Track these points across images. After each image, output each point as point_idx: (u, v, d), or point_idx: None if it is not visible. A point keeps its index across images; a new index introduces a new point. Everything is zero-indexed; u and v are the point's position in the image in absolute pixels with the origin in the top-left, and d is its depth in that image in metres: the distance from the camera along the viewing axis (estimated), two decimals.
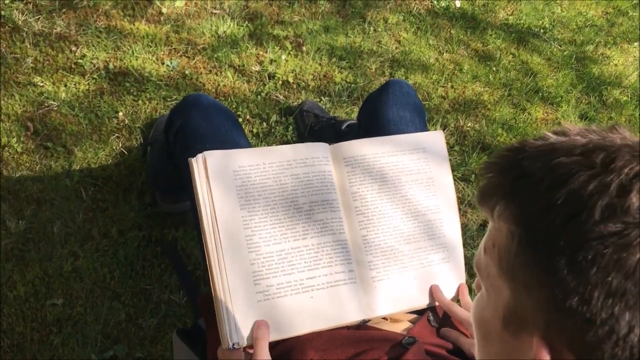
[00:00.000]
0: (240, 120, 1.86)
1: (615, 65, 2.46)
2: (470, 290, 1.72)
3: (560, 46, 2.45)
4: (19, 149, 1.68)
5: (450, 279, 1.07)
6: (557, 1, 2.61)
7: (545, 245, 0.46)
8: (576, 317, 0.45)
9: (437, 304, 1.04)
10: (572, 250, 0.44)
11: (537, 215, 0.47)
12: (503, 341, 0.52)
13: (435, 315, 1.05)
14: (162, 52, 1.95)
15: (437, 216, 1.08)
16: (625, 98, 2.34)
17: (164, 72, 1.91)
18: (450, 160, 1.42)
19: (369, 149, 1.08)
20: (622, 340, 0.44)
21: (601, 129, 0.48)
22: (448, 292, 1.07)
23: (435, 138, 1.13)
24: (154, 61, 1.93)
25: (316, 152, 1.04)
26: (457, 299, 1.08)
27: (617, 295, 0.43)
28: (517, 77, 2.27)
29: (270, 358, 0.85)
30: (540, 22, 2.50)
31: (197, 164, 0.96)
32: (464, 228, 1.81)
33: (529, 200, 0.47)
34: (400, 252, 1.04)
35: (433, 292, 1.03)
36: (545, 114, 2.21)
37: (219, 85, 1.94)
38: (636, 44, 2.56)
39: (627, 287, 0.43)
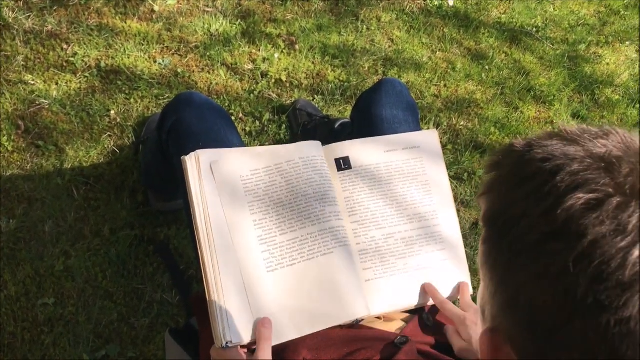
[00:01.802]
0: (233, 118, 1.86)
1: (607, 64, 2.47)
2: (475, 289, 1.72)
3: (553, 45, 2.46)
4: (9, 148, 1.67)
5: (450, 277, 1.07)
6: (550, 0, 2.62)
7: (495, 243, 0.49)
8: (511, 315, 0.47)
9: (429, 303, 1.04)
10: (511, 251, 0.46)
11: (495, 214, 0.49)
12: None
13: (430, 314, 1.04)
14: (154, 50, 1.94)
15: (433, 215, 1.08)
16: (617, 97, 2.35)
17: (156, 70, 1.90)
18: None
19: (362, 150, 1.08)
20: (542, 343, 0.45)
21: (594, 132, 0.48)
22: (447, 291, 1.06)
23: (429, 137, 1.13)
24: (146, 59, 1.92)
25: (310, 151, 1.04)
26: (457, 297, 1.07)
27: (538, 304, 0.44)
28: (510, 76, 2.28)
29: (271, 358, 0.85)
30: (533, 20, 2.51)
31: (190, 162, 0.95)
32: None
33: (495, 198, 0.50)
34: (395, 253, 1.04)
35: (427, 291, 1.03)
36: (538, 113, 2.22)
37: (211, 83, 1.93)
38: (628, 43, 2.57)
39: (547, 297, 0.44)
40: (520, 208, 0.46)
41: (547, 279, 0.43)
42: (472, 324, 0.96)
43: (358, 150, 1.08)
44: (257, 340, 0.86)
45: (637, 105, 2.34)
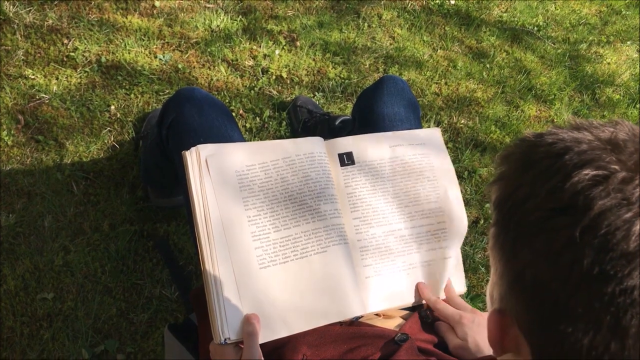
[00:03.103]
0: (233, 115, 1.86)
1: (608, 63, 2.47)
2: None
3: (554, 44, 2.45)
4: (9, 142, 1.66)
5: (447, 276, 1.07)
6: None
7: (504, 224, 0.50)
8: (518, 295, 0.48)
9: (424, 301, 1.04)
10: (518, 230, 0.48)
11: (505, 197, 0.50)
12: None
13: (429, 311, 1.04)
14: (154, 46, 1.94)
15: (438, 212, 1.08)
16: (617, 96, 2.35)
17: (157, 65, 1.90)
18: None
19: (365, 145, 1.08)
20: (545, 320, 0.46)
21: (602, 123, 0.50)
22: (442, 290, 1.06)
23: (433, 134, 1.13)
24: (146, 55, 1.91)
25: (313, 147, 1.04)
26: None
27: (543, 279, 0.45)
28: (511, 75, 2.27)
29: (261, 354, 0.85)
30: (534, 19, 2.50)
31: (190, 157, 0.95)
32: None
33: (505, 184, 0.51)
34: (394, 250, 1.04)
35: (419, 290, 1.03)
36: (539, 112, 2.21)
37: (212, 79, 1.93)
38: (629, 42, 2.57)
39: (552, 272, 0.45)
40: (528, 188, 0.47)
41: (554, 252, 0.44)
42: (469, 322, 0.96)
43: (361, 145, 1.08)
44: (244, 337, 0.86)
45: (638, 105, 2.34)
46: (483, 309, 1.66)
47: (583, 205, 0.43)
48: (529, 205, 0.47)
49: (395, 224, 1.05)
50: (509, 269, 0.49)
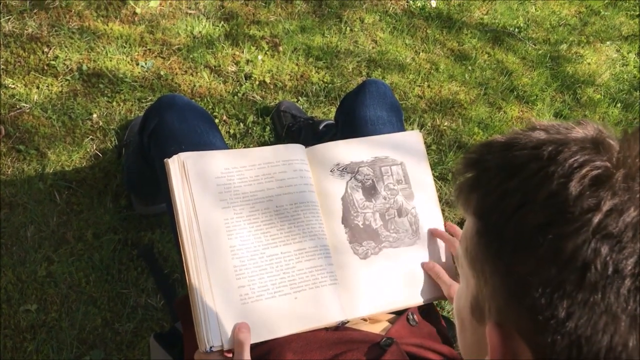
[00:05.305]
0: (216, 121, 1.85)
1: (589, 64, 2.49)
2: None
3: (535, 45, 2.47)
4: None
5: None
6: (531, 1, 2.64)
7: (496, 234, 0.48)
8: (521, 304, 0.47)
9: (413, 304, 1.03)
10: (516, 239, 0.46)
11: (491, 206, 0.49)
12: (473, 329, 0.54)
13: (415, 314, 1.04)
14: (136, 53, 1.93)
15: (419, 215, 1.08)
16: (598, 96, 2.37)
17: (139, 73, 1.89)
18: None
19: (346, 150, 1.08)
20: (561, 326, 0.44)
21: (569, 124, 0.50)
22: (436, 289, 1.05)
23: (413, 137, 1.14)
24: (128, 62, 1.90)
25: (293, 154, 1.04)
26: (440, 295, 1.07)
27: (554, 284, 0.44)
28: (493, 76, 2.29)
29: None
30: (515, 21, 2.52)
31: (173, 165, 0.95)
32: None
33: (486, 192, 0.49)
34: (382, 253, 1.04)
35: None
36: (521, 113, 2.23)
37: (194, 85, 1.92)
38: (608, 42, 2.60)
39: (564, 276, 0.44)
40: (520, 195, 0.46)
41: (564, 257, 0.43)
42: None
43: (342, 150, 1.08)
44: (235, 346, 0.86)
45: (619, 105, 2.37)
46: None
47: (589, 207, 0.43)
48: (526, 213, 0.45)
49: (382, 226, 1.05)
50: (509, 279, 0.47)
